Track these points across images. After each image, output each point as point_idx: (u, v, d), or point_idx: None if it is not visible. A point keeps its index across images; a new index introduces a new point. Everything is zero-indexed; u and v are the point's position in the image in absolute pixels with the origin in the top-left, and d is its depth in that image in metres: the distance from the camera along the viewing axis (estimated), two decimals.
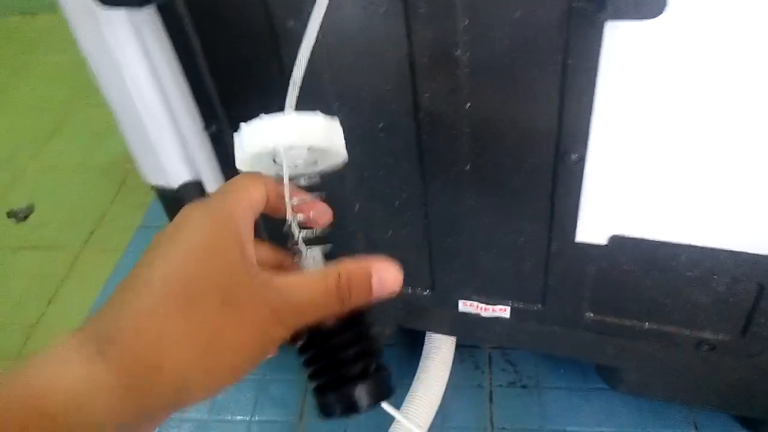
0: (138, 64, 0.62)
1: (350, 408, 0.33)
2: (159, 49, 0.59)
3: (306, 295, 0.30)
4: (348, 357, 0.33)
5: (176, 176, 0.71)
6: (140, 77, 0.63)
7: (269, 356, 0.30)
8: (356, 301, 0.31)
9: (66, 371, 0.24)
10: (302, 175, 0.35)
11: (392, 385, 0.35)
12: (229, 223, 0.30)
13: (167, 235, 0.29)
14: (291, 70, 0.53)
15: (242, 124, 0.33)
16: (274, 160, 0.35)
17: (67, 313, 1.11)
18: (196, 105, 0.61)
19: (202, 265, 0.28)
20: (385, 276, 0.32)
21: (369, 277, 0.31)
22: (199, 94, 0.59)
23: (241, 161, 0.34)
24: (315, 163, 0.36)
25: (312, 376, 0.34)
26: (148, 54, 0.61)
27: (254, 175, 0.33)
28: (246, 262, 0.29)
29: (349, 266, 0.31)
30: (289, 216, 0.34)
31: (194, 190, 0.71)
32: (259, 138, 0.33)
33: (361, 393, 0.33)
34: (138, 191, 1.34)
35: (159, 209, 1.23)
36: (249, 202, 0.32)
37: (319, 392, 0.34)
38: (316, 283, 0.30)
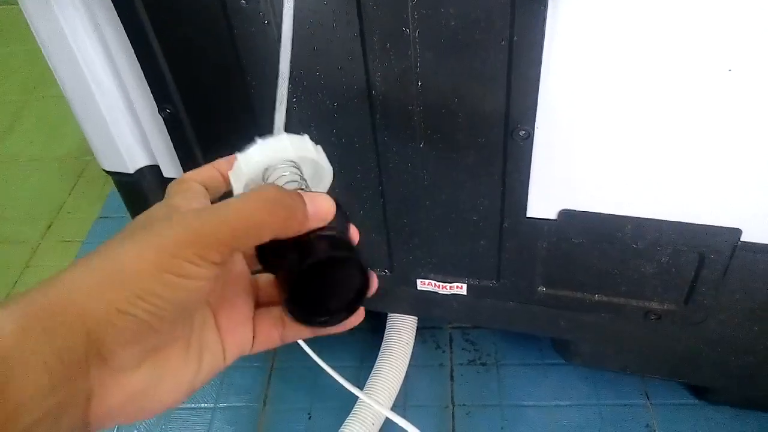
0: (92, 47, 0.62)
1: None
2: (113, 32, 0.59)
3: (234, 209, 0.27)
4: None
5: (133, 161, 0.71)
6: (95, 61, 0.63)
7: (192, 305, 0.27)
8: (295, 216, 0.28)
9: None
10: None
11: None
12: (169, 200, 0.30)
13: None
14: (244, 51, 0.54)
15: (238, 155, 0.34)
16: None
17: None
18: (150, 87, 0.60)
19: (130, 225, 0.29)
20: (317, 199, 0.30)
21: (300, 197, 0.29)
22: (153, 76, 0.59)
23: (237, 189, 0.34)
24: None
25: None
26: (103, 37, 0.60)
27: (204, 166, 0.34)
28: (170, 208, 0.29)
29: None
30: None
31: (151, 174, 0.71)
32: (257, 158, 0.33)
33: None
34: (96, 183, 1.33)
35: (117, 200, 1.21)
36: (196, 183, 0.33)
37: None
38: (249, 197, 0.27)
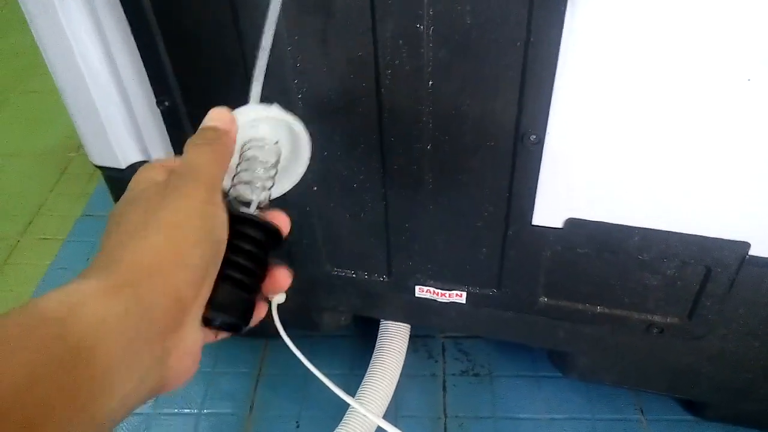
0: (88, 36, 0.60)
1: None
2: (111, 22, 0.57)
3: (212, 161, 0.34)
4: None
5: (125, 156, 0.68)
6: (90, 49, 0.60)
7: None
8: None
9: (62, 288, 0.27)
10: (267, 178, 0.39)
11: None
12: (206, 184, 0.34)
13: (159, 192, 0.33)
14: (249, 40, 0.52)
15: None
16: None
17: (4, 306, 1.05)
18: (149, 79, 0.58)
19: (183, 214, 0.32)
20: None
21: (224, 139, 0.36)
22: (153, 67, 0.57)
23: None
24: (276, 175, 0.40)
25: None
26: (100, 27, 0.58)
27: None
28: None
29: None
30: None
31: None
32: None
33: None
34: (79, 180, 1.29)
35: (101, 198, 1.18)
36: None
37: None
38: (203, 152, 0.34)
